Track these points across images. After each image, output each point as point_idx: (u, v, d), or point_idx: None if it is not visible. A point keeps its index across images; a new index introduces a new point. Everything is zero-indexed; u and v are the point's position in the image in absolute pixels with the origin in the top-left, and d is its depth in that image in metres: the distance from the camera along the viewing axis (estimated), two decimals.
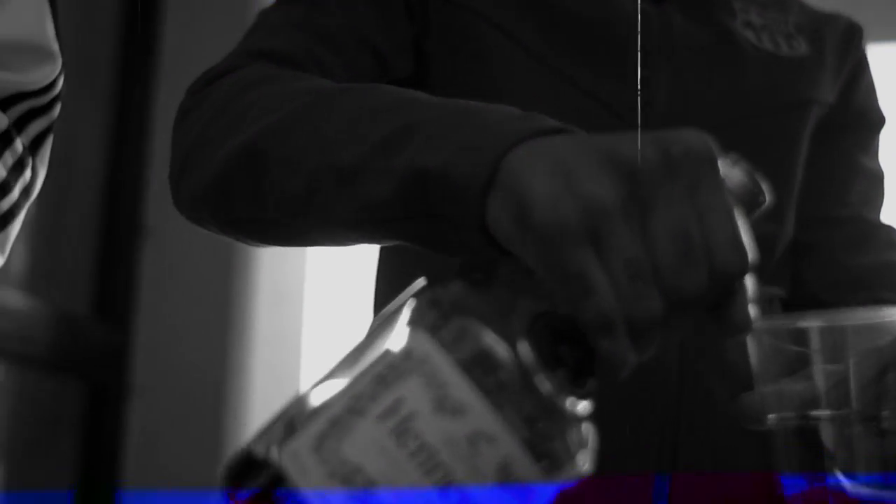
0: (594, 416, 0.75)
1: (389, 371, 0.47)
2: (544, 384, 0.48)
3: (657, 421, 0.85)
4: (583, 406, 0.50)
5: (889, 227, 1.07)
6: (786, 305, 1.01)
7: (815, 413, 0.59)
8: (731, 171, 0.53)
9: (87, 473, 2.19)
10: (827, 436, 0.59)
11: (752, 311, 0.51)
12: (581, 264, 0.48)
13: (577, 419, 0.49)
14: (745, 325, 0.51)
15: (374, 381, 0.47)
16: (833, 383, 0.59)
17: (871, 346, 0.59)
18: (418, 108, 0.63)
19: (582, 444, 0.50)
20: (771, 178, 0.90)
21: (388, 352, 0.47)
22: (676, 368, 0.86)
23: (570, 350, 0.50)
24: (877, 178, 1.11)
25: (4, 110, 0.87)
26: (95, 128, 2.30)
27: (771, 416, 0.62)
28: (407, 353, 0.47)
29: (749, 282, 0.51)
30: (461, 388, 0.46)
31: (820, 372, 0.60)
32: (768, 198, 0.55)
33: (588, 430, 0.50)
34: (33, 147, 0.91)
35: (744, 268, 0.50)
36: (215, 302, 2.23)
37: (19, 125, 0.89)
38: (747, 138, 0.90)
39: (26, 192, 0.89)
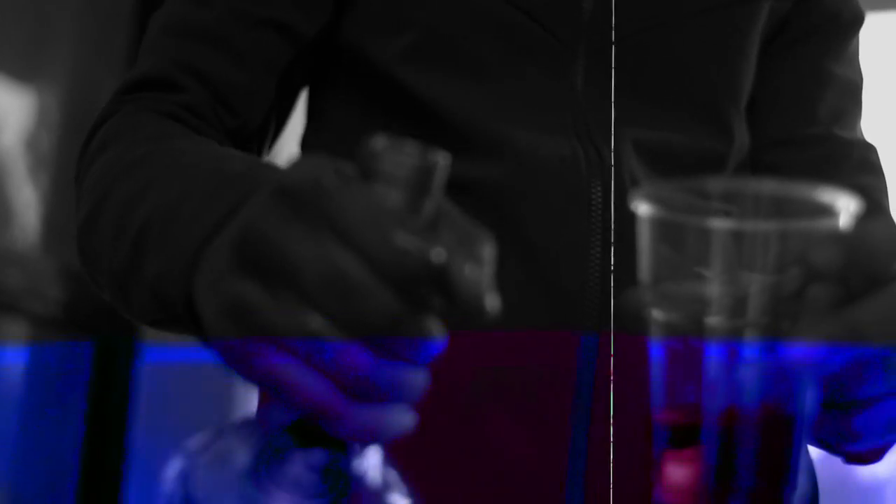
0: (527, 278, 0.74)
1: None
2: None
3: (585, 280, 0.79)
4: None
5: (863, 144, 0.96)
6: None
7: (708, 320, 0.51)
8: (395, 156, 0.48)
9: (96, 429, 2.23)
10: (715, 348, 0.51)
11: (482, 286, 0.46)
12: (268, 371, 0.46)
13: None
14: (474, 305, 0.46)
15: None
16: (741, 290, 0.51)
17: (799, 255, 0.50)
18: (157, 197, 0.64)
19: None
20: (711, 84, 0.86)
21: None
22: (600, 221, 0.80)
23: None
24: (851, 88, 0.98)
25: None
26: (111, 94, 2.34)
27: (657, 314, 0.53)
28: None
29: (481, 253, 0.47)
30: None
31: (727, 275, 0.51)
32: (443, 162, 0.48)
33: None
34: None
35: (411, 266, 0.45)
36: None
37: None
38: (682, 39, 0.86)
39: None
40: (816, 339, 0.49)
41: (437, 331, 0.47)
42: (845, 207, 0.51)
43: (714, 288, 0.51)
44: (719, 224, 0.51)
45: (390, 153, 0.48)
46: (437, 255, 0.46)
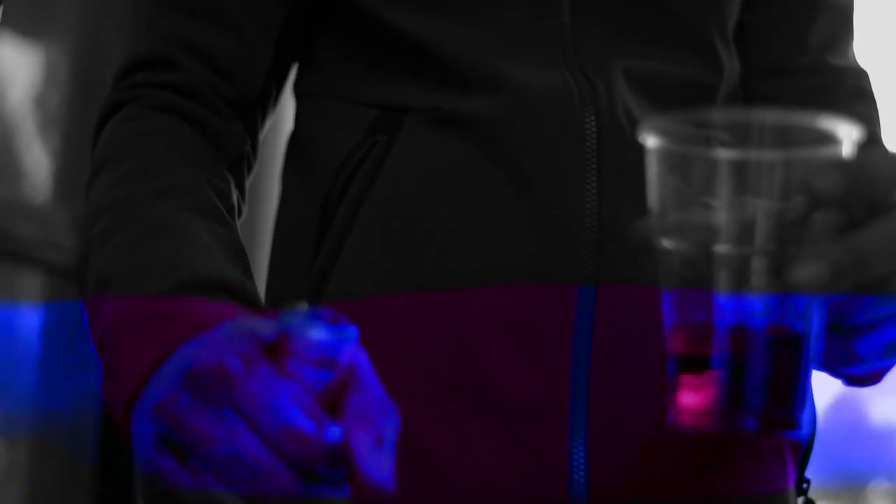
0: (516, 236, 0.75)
1: None
2: None
3: (579, 234, 0.79)
4: None
5: (856, 71, 0.96)
6: None
7: (716, 247, 0.54)
8: (304, 334, 0.53)
9: None
10: (723, 275, 0.54)
11: (381, 464, 0.52)
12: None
13: None
14: (371, 482, 0.51)
15: None
16: (747, 217, 0.53)
17: (803, 183, 0.52)
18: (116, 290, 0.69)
19: None
20: (697, 14, 0.86)
21: None
22: (595, 185, 0.80)
23: None
24: (843, 13, 0.97)
25: None
26: (123, 51, 2.34)
27: (666, 243, 0.56)
28: None
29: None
30: None
31: (733, 203, 0.53)
32: (353, 335, 0.54)
33: None
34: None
35: (307, 447, 0.51)
36: None
37: None
38: None
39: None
40: (821, 265, 0.51)
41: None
42: (847, 135, 0.54)
43: (721, 216, 0.53)
44: (724, 154, 0.53)
45: (300, 331, 0.52)
46: (332, 434, 0.51)
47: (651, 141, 0.56)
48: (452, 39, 0.83)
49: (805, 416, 0.55)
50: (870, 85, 0.96)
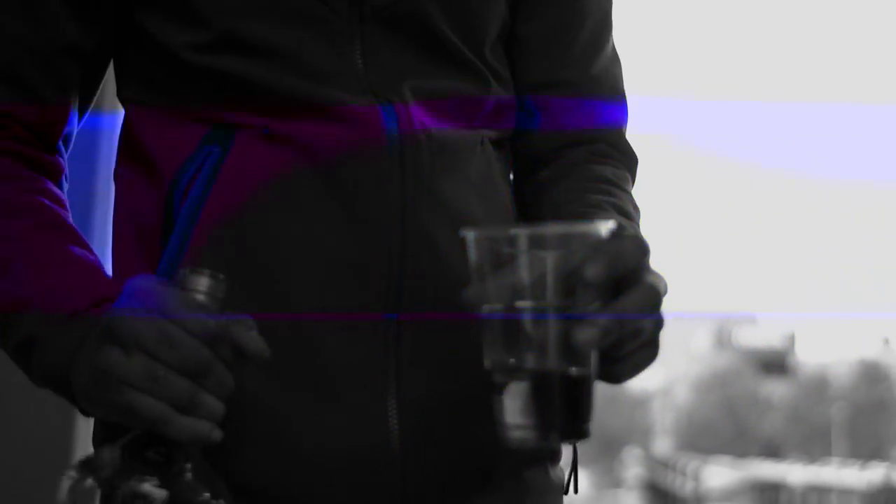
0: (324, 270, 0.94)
1: None
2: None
3: (383, 268, 0.94)
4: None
5: (611, 76, 1.12)
6: (515, 150, 1.09)
7: (519, 304, 0.78)
8: (192, 281, 0.81)
9: None
10: (528, 323, 0.77)
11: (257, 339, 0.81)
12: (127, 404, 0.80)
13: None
14: (254, 350, 0.81)
15: None
16: (535, 278, 0.77)
17: (566, 250, 0.77)
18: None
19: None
20: (461, 38, 1.02)
21: None
22: (399, 223, 0.94)
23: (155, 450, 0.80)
24: (604, 20, 1.12)
25: None
26: None
27: (485, 306, 0.79)
28: None
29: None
30: None
31: (525, 268, 0.77)
32: (223, 287, 0.82)
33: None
34: None
35: (209, 328, 0.79)
36: None
37: None
38: (430, 5, 0.99)
39: None
40: (594, 329, 0.77)
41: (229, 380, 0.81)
42: (606, 230, 0.81)
43: (520, 279, 0.78)
44: (522, 231, 0.80)
45: (192, 276, 0.81)
46: (218, 324, 0.80)
47: (470, 235, 0.81)
48: (272, 75, 0.96)
49: (590, 425, 0.80)
50: (621, 78, 1.14)
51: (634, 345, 0.81)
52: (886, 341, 51.51)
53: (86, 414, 0.88)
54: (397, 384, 0.94)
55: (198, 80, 0.97)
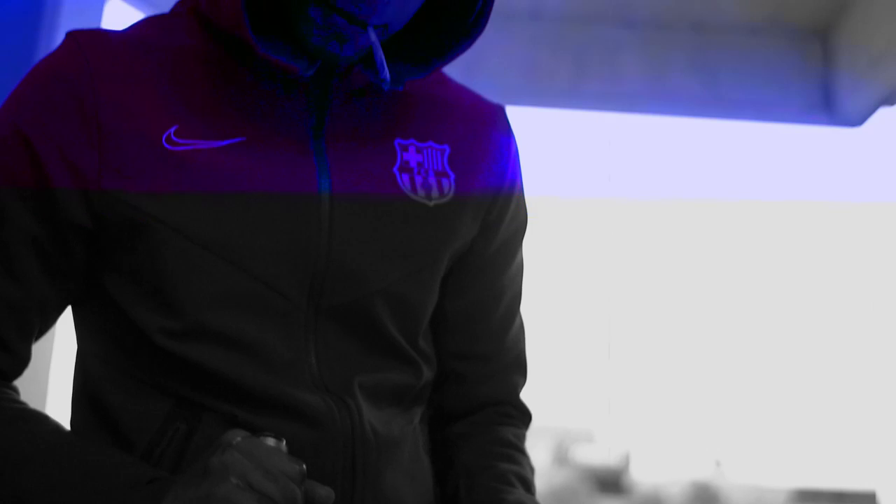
0: None
1: None
2: None
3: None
4: None
5: (518, 345, 1.26)
6: (430, 401, 1.19)
7: None
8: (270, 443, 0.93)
9: None
10: None
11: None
12: None
13: None
14: None
15: None
16: None
17: None
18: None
19: None
20: (403, 335, 1.13)
21: None
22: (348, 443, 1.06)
23: None
24: (516, 300, 1.26)
25: None
26: None
27: None
28: None
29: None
30: None
31: None
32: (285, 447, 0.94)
33: None
34: None
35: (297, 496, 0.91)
36: None
37: None
38: (381, 304, 1.09)
39: None
40: None
41: None
42: None
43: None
44: None
45: (267, 437, 0.95)
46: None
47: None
48: (239, 369, 1.02)
49: None
50: (524, 342, 1.27)
51: None
52: (718, 463, 52.95)
53: None
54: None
55: (168, 362, 1.02)
